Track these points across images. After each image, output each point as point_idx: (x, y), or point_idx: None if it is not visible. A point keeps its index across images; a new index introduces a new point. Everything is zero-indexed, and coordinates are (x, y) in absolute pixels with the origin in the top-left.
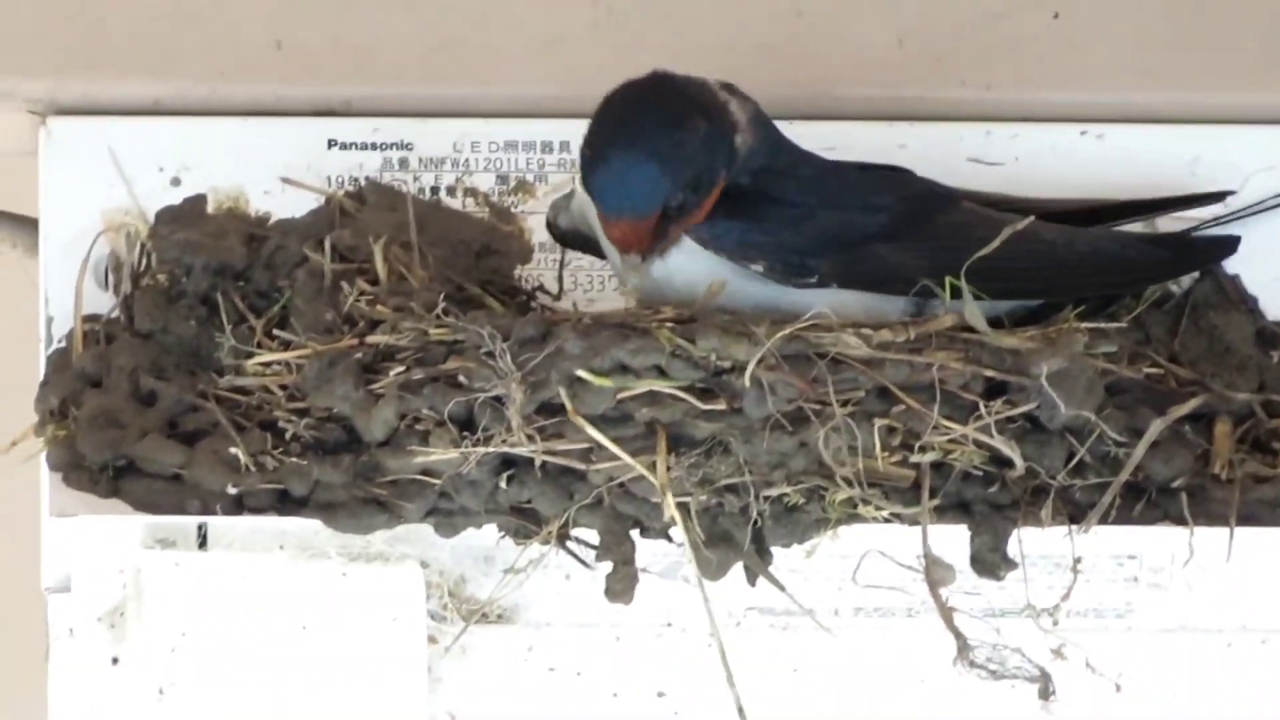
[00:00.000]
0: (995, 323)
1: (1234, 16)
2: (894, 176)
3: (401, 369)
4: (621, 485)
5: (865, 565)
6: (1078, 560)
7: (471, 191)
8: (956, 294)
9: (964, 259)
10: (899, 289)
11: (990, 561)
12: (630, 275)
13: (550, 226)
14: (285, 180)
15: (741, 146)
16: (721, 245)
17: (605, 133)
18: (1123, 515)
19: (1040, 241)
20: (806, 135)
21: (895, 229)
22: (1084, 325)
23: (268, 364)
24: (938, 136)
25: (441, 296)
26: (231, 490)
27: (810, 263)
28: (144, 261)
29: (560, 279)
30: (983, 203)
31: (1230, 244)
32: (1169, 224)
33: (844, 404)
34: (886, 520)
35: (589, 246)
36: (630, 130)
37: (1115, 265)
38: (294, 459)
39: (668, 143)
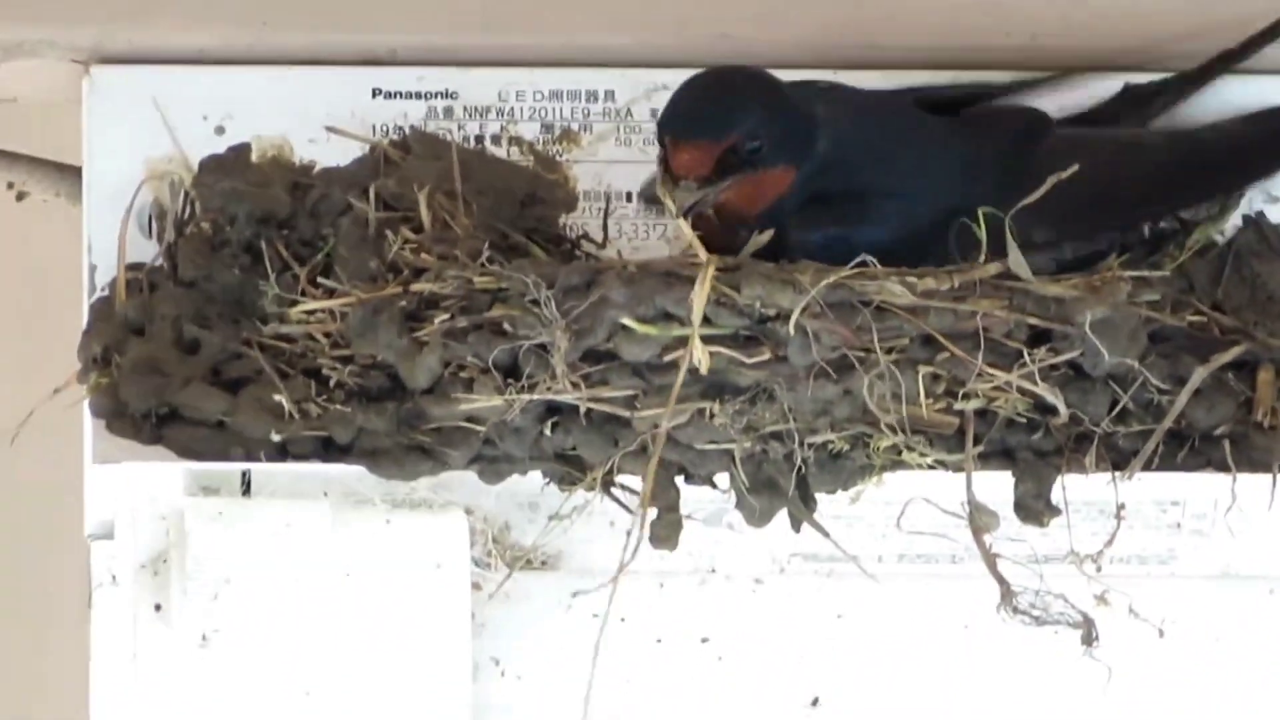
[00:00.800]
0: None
1: None
2: (984, 124)
3: (446, 317)
4: (666, 432)
5: (909, 512)
6: (1121, 507)
7: (516, 140)
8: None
9: (1075, 193)
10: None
11: (1034, 508)
12: (684, 198)
13: (646, 195)
14: (330, 129)
15: (825, 149)
16: (833, 255)
17: (693, 77)
18: (1166, 462)
19: (1141, 151)
20: (853, 84)
21: (1000, 187)
22: (1128, 274)
23: (312, 312)
24: None
25: (486, 245)
26: (275, 437)
27: (928, 249)
28: (188, 210)
29: (605, 227)
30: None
31: None
32: None
33: (888, 351)
34: (931, 467)
35: None
36: (715, 74)
37: (1226, 157)
38: (338, 406)
39: (751, 87)
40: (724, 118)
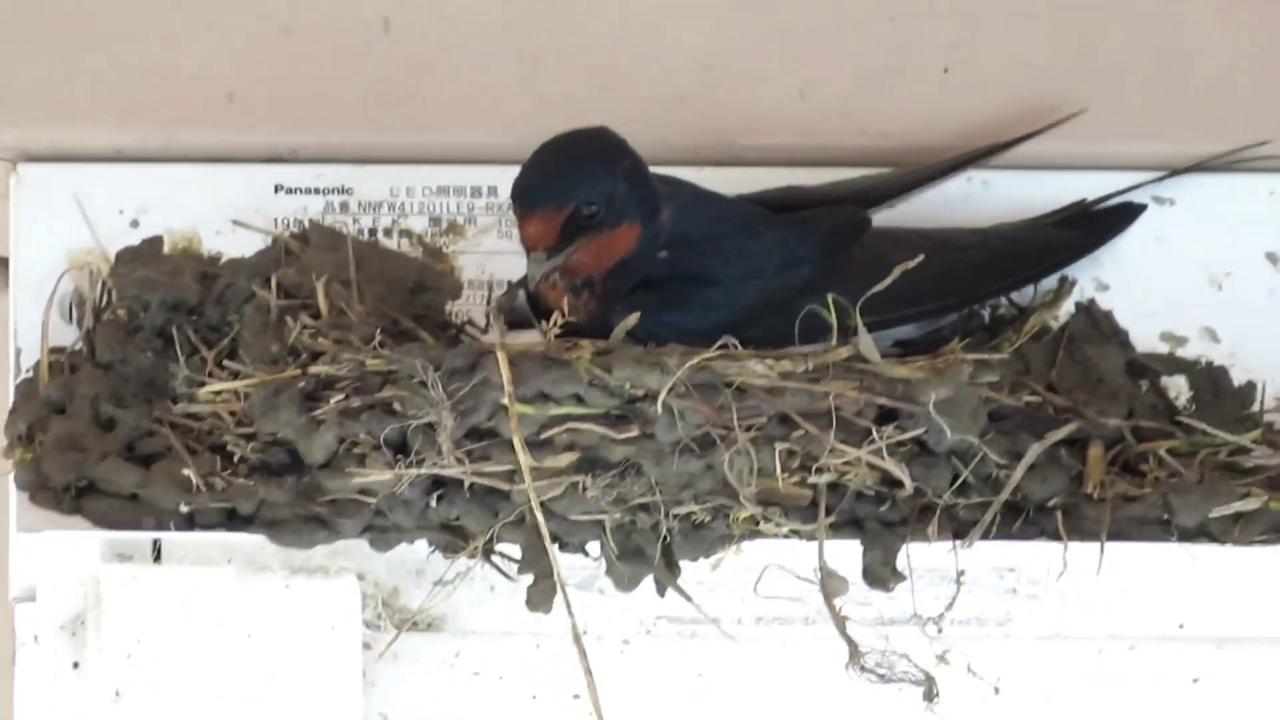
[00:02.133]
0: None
1: (1114, 68)
2: (809, 221)
3: (341, 397)
4: (542, 504)
5: (766, 578)
6: (961, 573)
7: (406, 233)
8: (866, 311)
9: (890, 287)
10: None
11: (881, 574)
12: (535, 270)
13: (498, 314)
14: (236, 222)
15: (665, 220)
16: (656, 337)
17: (539, 148)
18: (1003, 531)
19: (955, 249)
20: (714, 181)
21: (817, 278)
22: (969, 356)
23: (218, 392)
24: None
25: (378, 330)
26: (184, 508)
27: (742, 334)
28: (105, 298)
29: (488, 314)
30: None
31: (1135, 210)
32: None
33: (747, 429)
34: (786, 536)
35: (529, 324)
36: (558, 142)
37: (1034, 253)
38: (242, 480)
39: (590, 153)
40: (561, 188)
